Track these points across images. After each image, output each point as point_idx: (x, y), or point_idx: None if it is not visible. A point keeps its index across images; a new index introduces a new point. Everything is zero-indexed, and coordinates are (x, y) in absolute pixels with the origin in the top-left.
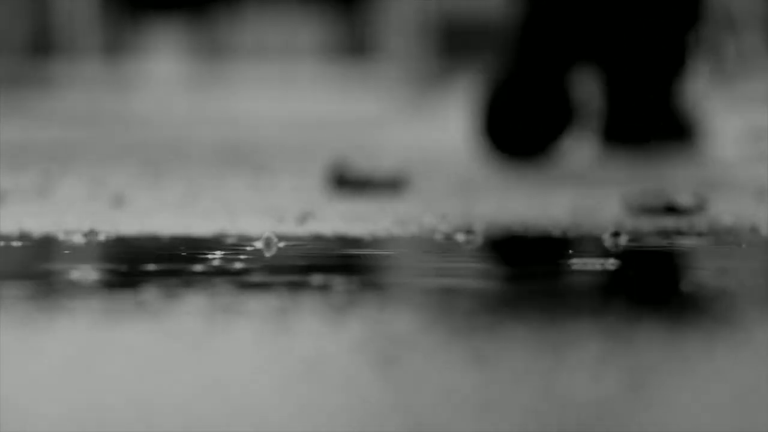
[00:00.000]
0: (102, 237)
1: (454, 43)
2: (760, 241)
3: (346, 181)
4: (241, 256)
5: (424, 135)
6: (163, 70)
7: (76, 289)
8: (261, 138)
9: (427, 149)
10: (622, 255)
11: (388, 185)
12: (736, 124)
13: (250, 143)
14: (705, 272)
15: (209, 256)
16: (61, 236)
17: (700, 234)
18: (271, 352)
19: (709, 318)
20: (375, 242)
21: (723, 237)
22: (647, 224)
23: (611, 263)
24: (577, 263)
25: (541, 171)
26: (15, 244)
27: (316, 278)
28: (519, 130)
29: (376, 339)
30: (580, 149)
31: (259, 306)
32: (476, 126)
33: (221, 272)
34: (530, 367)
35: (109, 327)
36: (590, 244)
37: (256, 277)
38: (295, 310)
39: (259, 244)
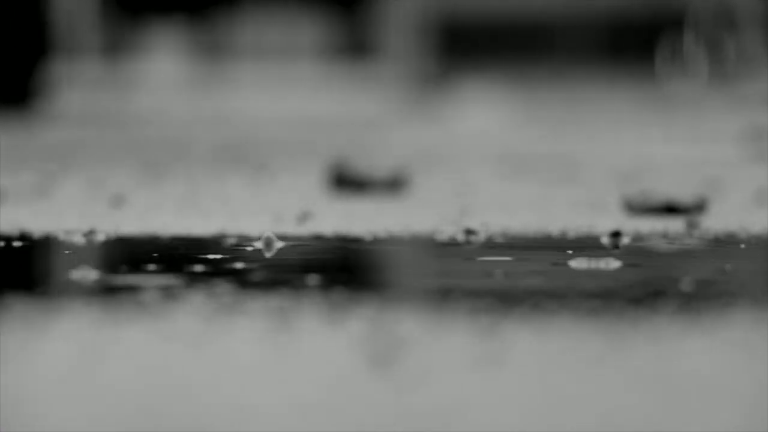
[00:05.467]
0: (102, 237)
1: (454, 43)
2: (759, 241)
3: (346, 181)
4: (241, 256)
5: (423, 135)
6: (163, 70)
7: (76, 289)
8: (261, 138)
9: (426, 149)
10: (622, 255)
11: (388, 185)
12: (736, 124)
13: (250, 143)
14: (705, 272)
15: (209, 256)
16: (61, 236)
17: (699, 234)
18: (271, 352)
19: (709, 318)
20: (375, 242)
21: (722, 237)
22: (647, 224)
23: (611, 263)
24: (577, 263)
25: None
26: (15, 244)
27: (316, 278)
28: None
29: (376, 339)
30: None
31: (259, 306)
32: None
33: (221, 272)
34: (530, 366)
35: (109, 327)
36: (590, 244)
37: (256, 277)
38: (295, 310)
39: (259, 244)
